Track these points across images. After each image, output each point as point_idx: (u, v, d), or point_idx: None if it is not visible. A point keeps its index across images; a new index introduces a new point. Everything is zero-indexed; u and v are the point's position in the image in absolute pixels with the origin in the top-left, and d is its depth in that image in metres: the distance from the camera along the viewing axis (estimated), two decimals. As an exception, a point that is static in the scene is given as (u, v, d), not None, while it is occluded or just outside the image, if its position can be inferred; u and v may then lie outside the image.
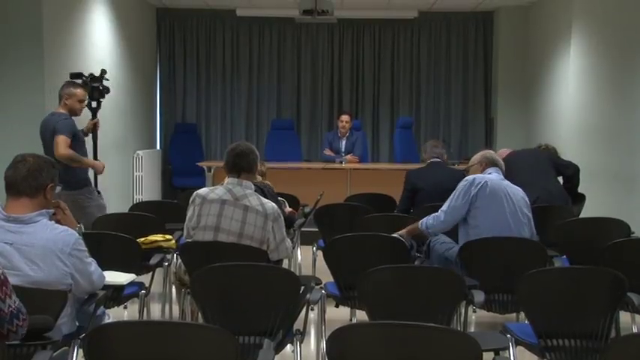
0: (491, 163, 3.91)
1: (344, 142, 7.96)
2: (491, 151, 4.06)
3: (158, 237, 4.00)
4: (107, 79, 5.52)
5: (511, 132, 8.95)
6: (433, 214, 3.78)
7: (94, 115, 5.28)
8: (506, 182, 3.80)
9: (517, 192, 3.76)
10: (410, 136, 8.79)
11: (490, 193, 3.65)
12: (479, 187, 3.66)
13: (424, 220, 3.78)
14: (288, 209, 4.62)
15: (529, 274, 2.85)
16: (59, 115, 4.77)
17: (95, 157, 5.29)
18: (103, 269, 2.80)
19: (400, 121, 8.77)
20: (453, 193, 3.72)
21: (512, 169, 4.37)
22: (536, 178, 4.83)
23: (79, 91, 4.85)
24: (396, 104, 9.54)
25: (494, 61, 9.36)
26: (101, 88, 5.44)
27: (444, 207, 3.72)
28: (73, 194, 4.76)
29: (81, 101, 4.84)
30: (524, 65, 8.89)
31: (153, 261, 3.84)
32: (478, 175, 3.76)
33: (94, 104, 5.49)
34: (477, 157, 3.98)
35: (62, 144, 4.63)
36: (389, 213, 4.86)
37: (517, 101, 8.95)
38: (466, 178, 3.77)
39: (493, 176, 3.77)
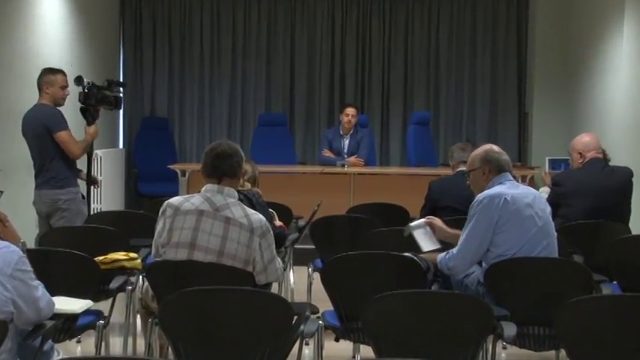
0: (497, 167, 3.77)
1: (347, 141, 7.97)
2: (494, 147, 3.89)
3: (120, 255, 3.99)
4: (117, 91, 5.64)
5: (550, 129, 8.97)
6: (451, 252, 3.68)
7: (89, 123, 5.38)
8: (524, 189, 3.77)
9: (540, 199, 3.75)
10: (426, 134, 8.81)
11: (515, 211, 3.61)
12: (500, 206, 3.60)
13: (443, 259, 3.70)
14: (278, 223, 4.61)
15: (571, 302, 2.85)
16: (43, 107, 5.06)
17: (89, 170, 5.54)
18: (53, 294, 2.79)
19: (415, 117, 8.79)
20: (468, 222, 3.66)
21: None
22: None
23: (59, 77, 5.14)
24: (410, 96, 9.56)
25: (529, 45, 9.39)
26: (111, 97, 5.54)
27: (462, 241, 3.66)
28: (54, 194, 4.99)
29: (63, 87, 5.15)
30: (565, 50, 8.92)
31: (114, 284, 3.84)
32: (491, 193, 3.65)
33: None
34: (476, 157, 3.86)
35: (71, 142, 5.08)
36: (401, 227, 4.85)
37: (557, 93, 8.98)
38: (477, 198, 3.66)
39: (508, 188, 3.69)
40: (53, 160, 5.08)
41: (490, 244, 3.60)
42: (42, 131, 5.05)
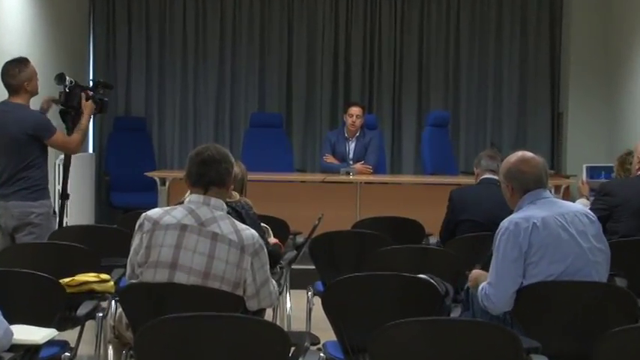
0: (522, 187, 3.69)
1: (352, 145, 7.99)
2: (524, 158, 3.76)
3: (90, 277, 3.98)
4: (102, 93, 5.67)
5: (587, 132, 8.99)
6: (485, 287, 3.62)
7: (69, 130, 5.44)
8: (560, 205, 3.73)
9: (581, 217, 3.70)
10: (444, 137, 8.83)
11: (547, 237, 3.60)
12: (528, 233, 3.58)
13: (482, 294, 3.66)
14: (272, 240, 4.62)
15: (612, 333, 2.85)
16: (25, 111, 5.08)
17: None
18: (11, 322, 2.79)
19: (432, 117, 8.81)
20: (494, 253, 3.65)
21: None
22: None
23: (32, 67, 5.17)
24: (426, 94, 9.59)
25: (564, 36, 9.42)
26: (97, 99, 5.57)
27: (492, 279, 3.62)
28: (26, 207, 5.01)
29: (37, 79, 5.21)
30: (606, 39, 8.94)
31: (82, 311, 3.83)
32: (517, 217, 3.62)
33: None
34: (501, 171, 3.82)
35: (68, 140, 5.24)
36: (415, 245, 4.86)
37: (596, 89, 9.00)
38: (502, 225, 3.62)
39: (539, 208, 3.65)
40: (30, 169, 5.07)
41: (523, 277, 3.58)
42: (24, 138, 5.04)
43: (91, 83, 5.70)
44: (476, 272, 3.83)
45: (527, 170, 3.73)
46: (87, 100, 5.40)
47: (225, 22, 9.56)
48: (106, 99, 5.65)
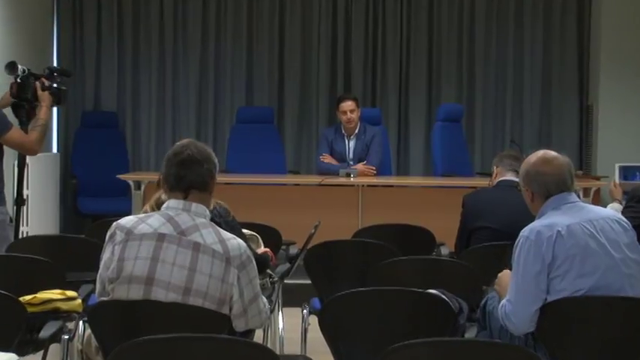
0: (543, 191, 3.70)
1: (352, 143, 8.00)
2: (545, 158, 3.77)
3: (54, 294, 3.98)
4: (60, 81, 5.66)
5: (620, 127, 9.02)
6: (505, 304, 3.64)
7: (23, 125, 5.43)
8: (589, 211, 3.73)
9: (613, 224, 3.70)
10: (457, 133, 8.85)
11: (574, 247, 3.61)
12: (552, 242, 3.59)
13: (502, 312, 3.66)
14: (262, 249, 4.62)
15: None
16: None
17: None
18: (-35, 344, 2.79)
19: (442, 111, 8.84)
20: (514, 266, 3.63)
21: None
22: None
23: None
24: (436, 84, 9.62)
25: (593, 18, 9.44)
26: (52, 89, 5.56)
27: (512, 295, 3.62)
28: None
29: None
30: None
31: (45, 332, 3.82)
32: (539, 225, 3.63)
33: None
34: (521, 173, 3.84)
35: (26, 139, 5.22)
36: (424, 256, 4.87)
37: (630, 79, 9.03)
38: (522, 234, 3.63)
39: (564, 214, 3.68)
40: None
41: (546, 293, 3.58)
42: None
43: (46, 71, 5.66)
44: (505, 274, 3.79)
45: (548, 172, 3.73)
46: (43, 90, 5.38)
47: (209, 5, 9.57)
48: (64, 88, 5.65)
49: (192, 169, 3.45)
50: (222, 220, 4.09)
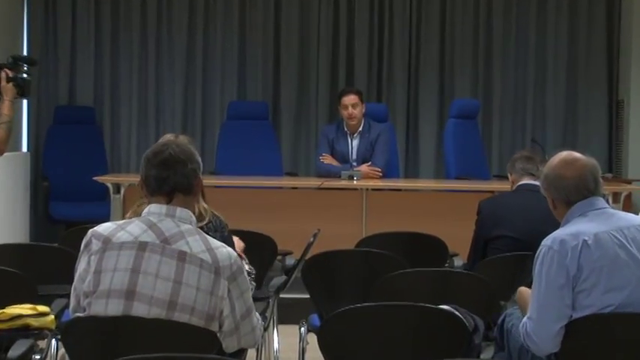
0: (564, 198, 3.71)
1: (356, 142, 8.00)
2: (569, 158, 3.77)
3: (24, 309, 3.97)
4: (25, 71, 5.66)
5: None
6: (526, 323, 3.64)
7: None
8: (619, 218, 3.73)
9: None
10: (473, 131, 8.87)
11: (602, 258, 3.61)
12: (577, 253, 3.58)
13: (524, 328, 3.66)
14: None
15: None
16: None
17: None
18: None
19: (456, 107, 8.85)
20: (536, 280, 3.64)
21: None
22: None
23: None
24: (449, 78, 9.64)
25: (624, 5, 9.44)
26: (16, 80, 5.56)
27: (533, 312, 3.62)
28: None
29: None
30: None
31: (14, 352, 3.81)
32: (562, 234, 3.63)
33: None
34: (541, 177, 3.85)
35: None
36: (436, 268, 4.88)
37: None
38: (544, 244, 3.64)
39: (591, 221, 3.67)
40: None
41: (572, 309, 3.58)
42: None
43: (9, 60, 5.64)
44: (525, 291, 3.80)
45: (568, 175, 3.73)
46: (8, 82, 5.38)
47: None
48: (28, 78, 5.64)
49: (175, 170, 3.45)
50: (218, 235, 4.06)
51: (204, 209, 4.24)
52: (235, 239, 4.54)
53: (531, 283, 3.68)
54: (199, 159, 3.55)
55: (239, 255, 4.57)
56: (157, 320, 3.28)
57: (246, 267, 4.42)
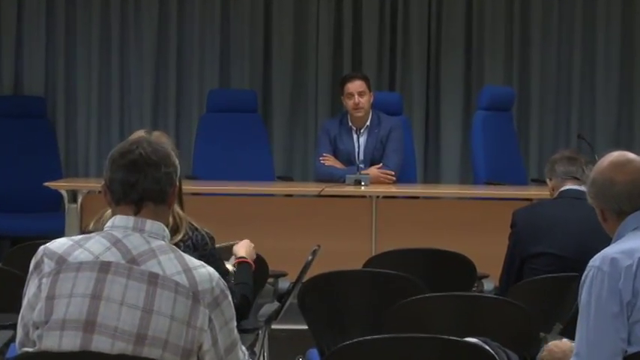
0: (615, 208, 3.71)
1: (362, 140, 8.03)
2: (621, 159, 3.80)
3: (-40, 342, 4.00)
4: None
5: None
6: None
7: None
8: None
9: None
10: (507, 126, 8.90)
11: None
12: (632, 274, 3.57)
13: None
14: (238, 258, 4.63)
15: None
16: None
17: None
18: None
19: (486, 96, 8.87)
20: (583, 309, 3.65)
21: None
22: None
23: None
24: (477, 63, 9.68)
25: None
26: None
27: (580, 344, 3.64)
28: None
29: None
30: None
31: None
32: (612, 252, 3.64)
33: None
34: (588, 185, 3.85)
35: None
36: (461, 292, 4.89)
37: None
38: (591, 264, 3.64)
39: None
40: None
41: (627, 342, 3.58)
42: None
43: None
44: (560, 345, 3.83)
45: (619, 181, 3.74)
46: None
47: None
48: None
49: (145, 174, 3.44)
50: (196, 255, 4.04)
51: (180, 219, 4.25)
52: (245, 242, 4.57)
53: (577, 313, 3.68)
54: (177, 161, 3.54)
55: (248, 263, 4.60)
56: (122, 356, 3.28)
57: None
